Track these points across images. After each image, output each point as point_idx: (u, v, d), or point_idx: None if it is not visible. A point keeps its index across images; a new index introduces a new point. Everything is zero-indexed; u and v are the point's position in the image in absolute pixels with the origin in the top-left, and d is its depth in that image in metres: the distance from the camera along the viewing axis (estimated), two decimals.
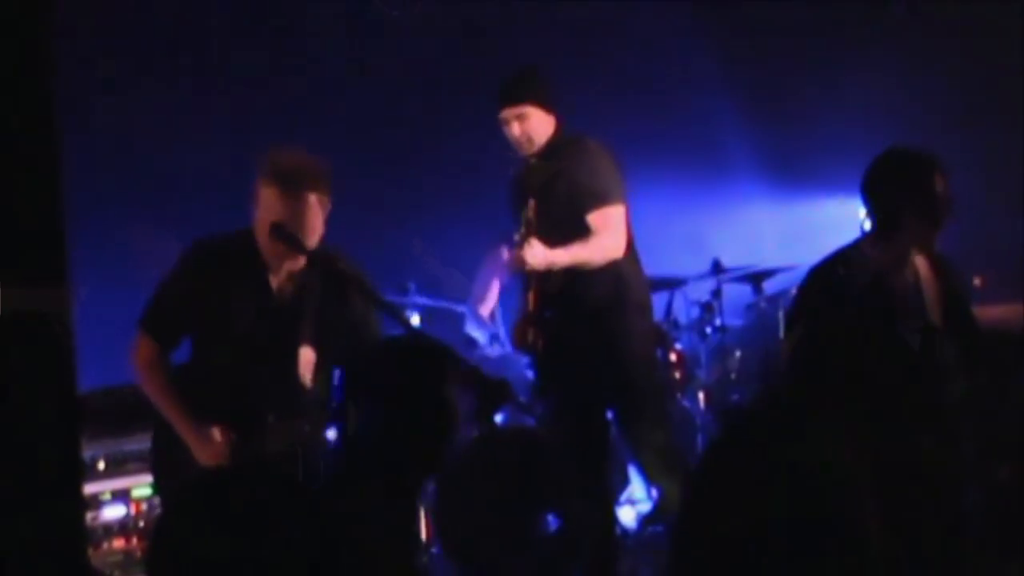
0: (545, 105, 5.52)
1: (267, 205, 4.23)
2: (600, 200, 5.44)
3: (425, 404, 3.04)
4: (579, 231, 5.42)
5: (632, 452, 5.85)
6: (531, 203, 5.42)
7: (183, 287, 4.34)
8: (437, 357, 3.12)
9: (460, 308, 7.20)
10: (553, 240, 5.41)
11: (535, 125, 5.51)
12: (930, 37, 8.20)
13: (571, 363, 5.53)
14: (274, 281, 4.36)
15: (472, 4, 8.05)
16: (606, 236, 5.45)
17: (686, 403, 7.46)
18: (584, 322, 5.48)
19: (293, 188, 4.22)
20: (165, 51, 7.35)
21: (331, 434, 5.66)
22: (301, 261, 4.32)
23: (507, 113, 5.50)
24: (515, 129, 5.50)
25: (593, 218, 5.43)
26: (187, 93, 7.32)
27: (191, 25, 7.42)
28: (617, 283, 5.51)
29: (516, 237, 5.46)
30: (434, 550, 6.24)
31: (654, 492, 6.10)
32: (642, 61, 8.31)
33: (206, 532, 2.06)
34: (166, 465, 4.41)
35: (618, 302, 5.52)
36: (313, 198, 4.25)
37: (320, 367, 4.39)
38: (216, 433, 4.25)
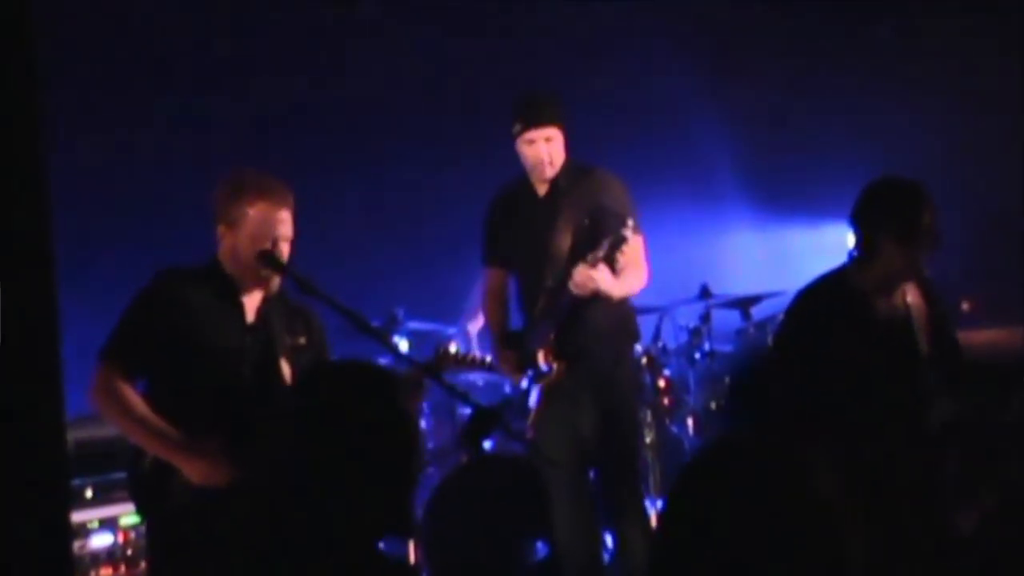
0: (567, 130, 5.57)
1: (258, 222, 4.29)
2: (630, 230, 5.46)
3: (382, 425, 2.74)
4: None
5: (604, 488, 5.70)
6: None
7: (154, 314, 4.29)
8: (386, 376, 2.91)
9: (451, 330, 7.21)
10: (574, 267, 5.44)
11: (558, 148, 5.54)
12: (917, 62, 8.23)
13: (570, 389, 5.54)
14: (247, 303, 4.40)
15: (461, 26, 8.07)
16: (640, 269, 5.53)
17: (674, 429, 7.44)
18: (589, 350, 5.50)
19: (280, 200, 4.34)
20: (151, 77, 7.36)
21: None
22: (275, 284, 4.38)
23: (536, 134, 5.50)
24: (541, 150, 5.51)
25: (624, 248, 5.42)
26: (173, 122, 7.33)
27: (176, 52, 7.43)
28: (622, 312, 5.59)
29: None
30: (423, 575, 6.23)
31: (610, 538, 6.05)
32: (630, 88, 8.33)
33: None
34: (152, 494, 4.29)
35: (623, 331, 5.60)
36: (290, 211, 4.37)
37: (294, 382, 4.40)
38: (213, 448, 4.17)
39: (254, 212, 4.30)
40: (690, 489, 2.00)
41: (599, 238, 5.37)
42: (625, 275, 5.45)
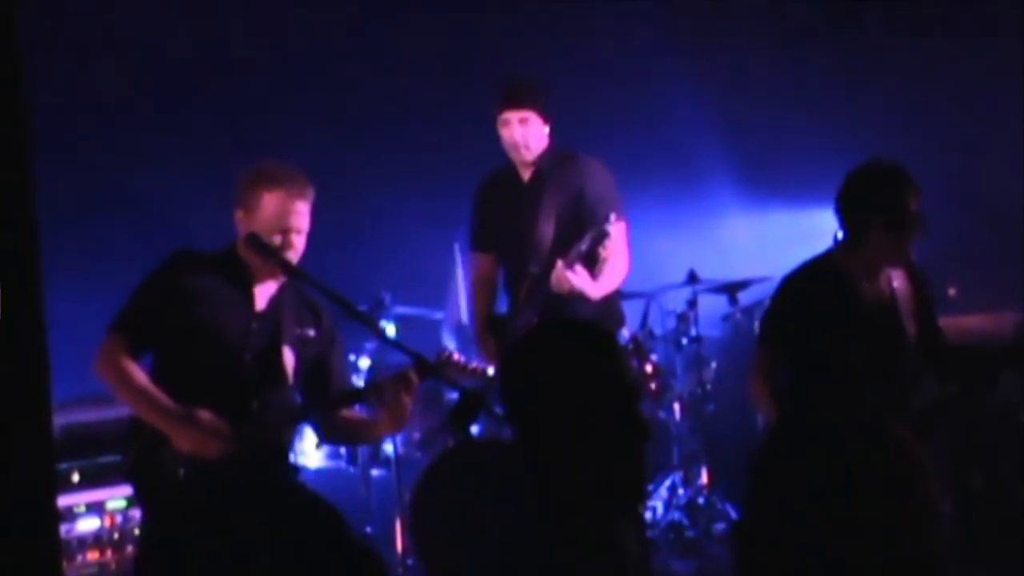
0: (546, 115, 5.58)
1: (272, 209, 4.38)
2: (611, 224, 5.48)
3: (615, 387, 2.77)
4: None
5: None
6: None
7: (163, 293, 4.40)
8: (605, 332, 2.93)
9: (437, 315, 7.21)
10: (560, 253, 5.44)
11: (535, 132, 5.58)
12: (904, 51, 8.23)
13: None
14: (259, 292, 4.49)
15: (448, 16, 8.06)
16: (621, 259, 5.56)
17: (661, 414, 7.46)
18: None
19: (297, 191, 4.42)
20: (141, 69, 7.36)
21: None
22: (280, 272, 4.45)
23: (511, 115, 5.55)
24: (516, 133, 5.55)
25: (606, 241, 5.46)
26: (164, 112, 7.33)
27: (165, 44, 7.44)
28: (606, 299, 5.60)
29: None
30: (409, 560, 6.24)
31: None
32: (615, 74, 8.32)
33: None
34: (148, 467, 4.33)
35: (607, 318, 5.61)
36: (307, 204, 4.45)
37: (297, 371, 4.52)
38: (206, 420, 4.23)
39: (269, 199, 4.39)
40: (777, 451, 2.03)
41: (582, 228, 5.38)
42: (604, 274, 5.49)
